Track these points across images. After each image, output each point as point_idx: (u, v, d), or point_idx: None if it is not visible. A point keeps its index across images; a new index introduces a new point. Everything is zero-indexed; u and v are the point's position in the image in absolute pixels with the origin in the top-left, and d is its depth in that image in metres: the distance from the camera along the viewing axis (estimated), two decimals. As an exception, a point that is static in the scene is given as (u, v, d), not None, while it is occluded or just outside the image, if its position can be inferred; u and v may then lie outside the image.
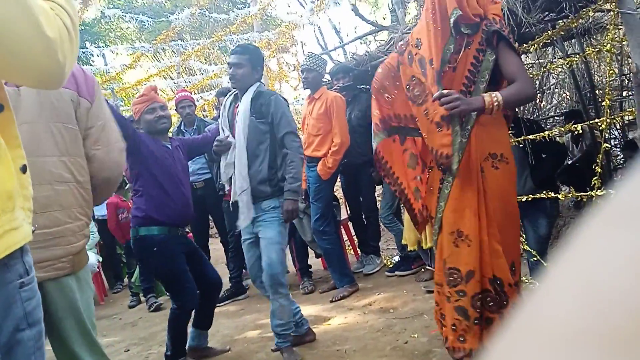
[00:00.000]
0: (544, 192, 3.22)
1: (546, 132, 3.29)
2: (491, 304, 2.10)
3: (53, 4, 1.07)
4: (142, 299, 5.13)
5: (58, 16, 1.05)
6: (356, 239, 5.19)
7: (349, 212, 5.09)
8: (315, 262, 5.03)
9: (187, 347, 3.07)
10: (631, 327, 0.16)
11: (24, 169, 1.14)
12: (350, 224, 5.20)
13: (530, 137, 3.25)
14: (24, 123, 1.56)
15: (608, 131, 3.75)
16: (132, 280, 5.28)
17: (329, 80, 4.74)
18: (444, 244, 2.20)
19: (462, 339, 2.12)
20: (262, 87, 2.93)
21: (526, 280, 3.03)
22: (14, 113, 1.57)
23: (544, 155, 3.33)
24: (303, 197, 4.39)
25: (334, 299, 3.93)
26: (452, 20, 2.07)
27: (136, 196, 2.98)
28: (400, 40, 4.05)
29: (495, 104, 2.00)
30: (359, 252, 5.03)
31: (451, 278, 2.15)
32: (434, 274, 3.73)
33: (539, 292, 0.20)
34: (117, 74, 8.74)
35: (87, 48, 10.36)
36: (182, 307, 2.95)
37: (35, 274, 1.58)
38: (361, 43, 6.89)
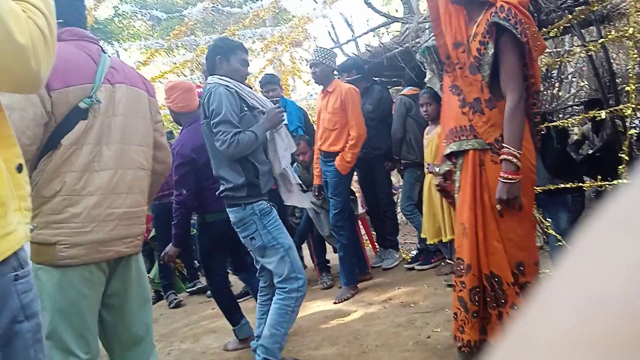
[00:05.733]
0: (568, 183, 3.16)
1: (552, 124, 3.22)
2: (488, 299, 2.08)
3: (26, 5, 1.04)
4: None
5: (31, 19, 1.03)
6: (374, 233, 5.16)
7: (365, 206, 5.05)
8: (333, 257, 5.00)
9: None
10: (633, 334, 0.16)
11: (19, 168, 1.13)
12: (368, 218, 5.17)
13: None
14: (119, 115, 1.80)
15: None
16: (152, 277, 5.30)
17: (339, 73, 4.69)
18: (456, 233, 2.22)
19: (461, 330, 2.13)
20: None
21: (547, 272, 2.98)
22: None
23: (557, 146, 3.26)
24: (316, 192, 4.31)
25: (337, 301, 3.82)
26: None
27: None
28: (417, 30, 4.00)
29: (513, 157, 1.95)
30: (377, 246, 5.00)
31: (458, 268, 2.17)
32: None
33: (540, 298, 0.20)
34: (131, 71, 8.77)
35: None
36: (211, 285, 3.40)
37: (121, 249, 1.76)
38: (373, 36, 6.82)
